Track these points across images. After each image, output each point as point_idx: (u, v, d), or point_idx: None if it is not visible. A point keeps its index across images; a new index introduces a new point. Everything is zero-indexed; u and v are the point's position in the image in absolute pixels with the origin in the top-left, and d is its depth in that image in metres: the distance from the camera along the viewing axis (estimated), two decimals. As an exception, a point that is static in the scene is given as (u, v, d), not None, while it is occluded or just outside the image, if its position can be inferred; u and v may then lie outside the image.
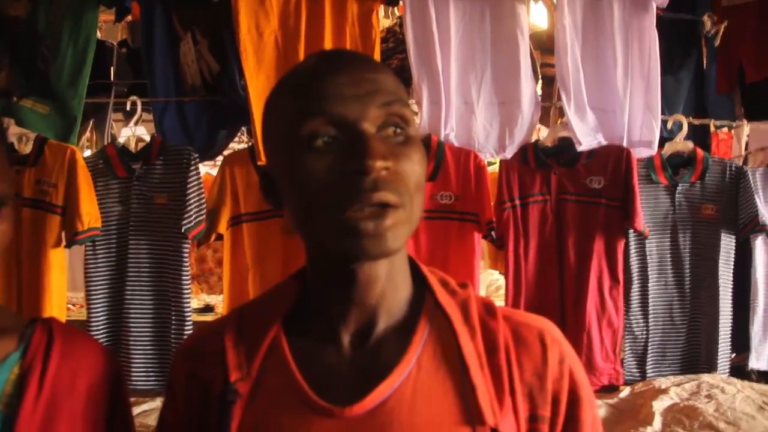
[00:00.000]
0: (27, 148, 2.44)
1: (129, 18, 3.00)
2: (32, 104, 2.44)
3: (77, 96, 2.45)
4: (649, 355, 2.52)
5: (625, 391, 2.33)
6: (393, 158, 0.70)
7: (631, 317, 2.52)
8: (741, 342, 2.63)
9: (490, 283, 4.04)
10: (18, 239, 2.38)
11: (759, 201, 2.55)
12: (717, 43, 2.71)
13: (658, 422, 2.02)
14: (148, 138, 2.56)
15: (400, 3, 2.51)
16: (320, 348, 0.78)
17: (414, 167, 0.72)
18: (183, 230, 2.40)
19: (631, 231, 2.48)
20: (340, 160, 0.69)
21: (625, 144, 2.47)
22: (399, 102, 0.73)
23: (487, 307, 0.81)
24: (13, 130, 2.49)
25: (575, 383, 0.78)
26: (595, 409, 0.81)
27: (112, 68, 3.21)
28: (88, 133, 3.74)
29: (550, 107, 2.77)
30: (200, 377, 0.81)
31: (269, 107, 0.79)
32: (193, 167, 2.44)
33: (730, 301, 2.52)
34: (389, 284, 0.78)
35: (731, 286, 2.53)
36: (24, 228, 2.38)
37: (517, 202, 2.48)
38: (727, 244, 2.52)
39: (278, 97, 0.77)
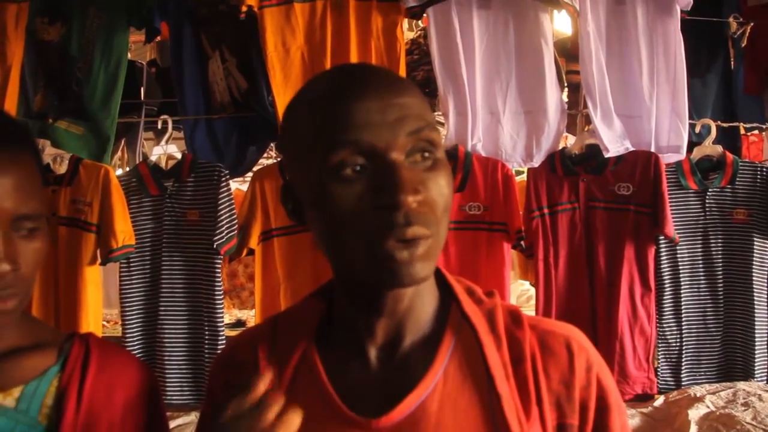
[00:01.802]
0: (62, 169, 2.49)
1: (158, 38, 3.06)
2: (67, 125, 2.50)
3: (110, 116, 2.50)
4: (683, 363, 2.48)
5: (660, 400, 2.31)
6: (423, 187, 0.70)
7: (664, 325, 2.48)
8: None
9: (521, 293, 4.01)
10: (55, 257, 2.43)
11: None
12: (744, 44, 2.68)
13: (694, 431, 2.00)
14: (179, 156, 2.61)
15: (424, 15, 2.52)
16: (349, 361, 0.80)
17: (442, 191, 0.72)
18: (215, 246, 2.44)
19: (662, 237, 2.46)
20: (370, 191, 0.69)
21: (653, 149, 2.45)
22: (428, 127, 0.72)
23: (513, 316, 0.81)
24: (49, 151, 2.55)
25: (603, 390, 0.78)
26: (624, 417, 0.80)
27: (142, 88, 3.29)
28: (120, 152, 3.81)
29: (576, 115, 2.76)
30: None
31: (290, 124, 0.78)
32: (223, 184, 2.48)
33: (766, 307, 2.48)
34: (416, 299, 0.79)
35: (766, 291, 2.49)
36: (60, 246, 2.44)
37: (546, 210, 2.47)
38: (761, 249, 2.48)
39: (299, 116, 0.76)
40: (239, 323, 3.89)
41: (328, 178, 0.71)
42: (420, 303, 0.79)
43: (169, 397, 2.45)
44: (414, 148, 0.71)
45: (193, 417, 2.32)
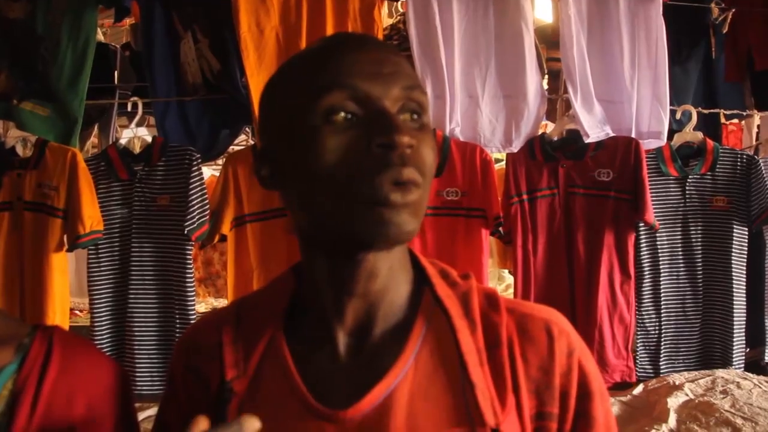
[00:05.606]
0: (29, 152, 2.41)
1: (132, 20, 2.98)
2: (32, 107, 2.42)
3: (78, 97, 2.42)
4: (662, 351, 2.47)
5: (638, 388, 2.29)
6: (415, 139, 0.67)
7: (643, 312, 2.47)
8: (755, 336, 2.58)
9: (501, 280, 4.00)
10: (20, 243, 2.36)
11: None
12: (725, 30, 2.66)
13: (673, 419, 1.98)
14: (150, 139, 2.54)
15: (402, -2, 2.48)
16: (317, 349, 0.75)
17: (430, 152, 0.70)
18: (186, 232, 2.38)
19: (641, 224, 2.43)
20: (364, 136, 0.66)
21: (633, 135, 2.43)
22: (419, 88, 0.71)
23: (490, 299, 0.77)
24: (14, 134, 2.47)
25: (585, 376, 0.74)
26: (608, 404, 0.76)
27: (116, 72, 3.21)
28: (94, 138, 3.73)
29: (556, 101, 2.73)
30: (198, 371, 0.79)
31: (274, 83, 0.76)
32: (195, 168, 2.42)
33: (744, 294, 2.47)
34: (391, 280, 0.75)
35: (745, 279, 2.48)
36: (26, 232, 2.37)
37: (525, 196, 2.44)
38: (740, 236, 2.47)
39: (288, 73, 0.74)
40: (214, 312, 3.83)
41: (316, 125, 0.67)
42: (394, 284, 0.75)
43: (138, 388, 2.39)
44: (405, 107, 0.70)
45: (163, 407, 2.26)
